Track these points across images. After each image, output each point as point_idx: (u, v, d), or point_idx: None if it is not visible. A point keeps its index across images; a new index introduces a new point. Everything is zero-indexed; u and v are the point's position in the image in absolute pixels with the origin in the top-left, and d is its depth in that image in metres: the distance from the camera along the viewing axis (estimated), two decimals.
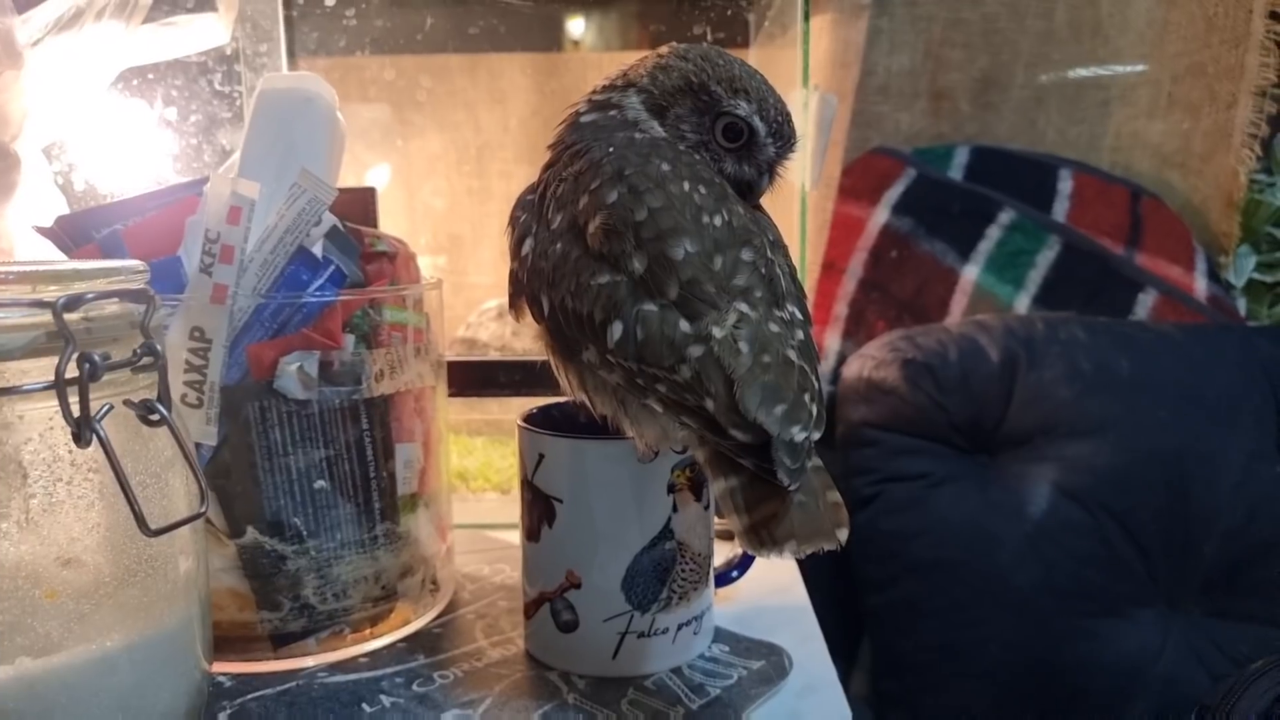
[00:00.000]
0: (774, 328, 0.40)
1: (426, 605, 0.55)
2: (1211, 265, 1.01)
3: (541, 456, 0.48)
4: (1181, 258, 1.02)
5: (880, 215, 0.98)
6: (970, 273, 0.97)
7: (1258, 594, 0.78)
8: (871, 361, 0.86)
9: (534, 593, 0.50)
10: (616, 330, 0.39)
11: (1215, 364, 0.85)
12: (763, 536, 0.37)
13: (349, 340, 0.50)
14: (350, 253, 0.53)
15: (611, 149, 0.42)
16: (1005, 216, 0.99)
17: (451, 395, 0.64)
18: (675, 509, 0.48)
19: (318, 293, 0.49)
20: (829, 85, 1.05)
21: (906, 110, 1.07)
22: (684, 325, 0.39)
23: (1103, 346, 0.85)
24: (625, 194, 0.40)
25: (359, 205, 0.60)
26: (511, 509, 0.55)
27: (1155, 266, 1.00)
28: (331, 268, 0.49)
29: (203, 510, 0.37)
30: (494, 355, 0.75)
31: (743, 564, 0.57)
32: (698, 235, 0.40)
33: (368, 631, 0.52)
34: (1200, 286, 1.00)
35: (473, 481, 0.74)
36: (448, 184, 1.03)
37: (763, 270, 0.41)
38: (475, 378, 0.65)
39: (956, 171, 1.03)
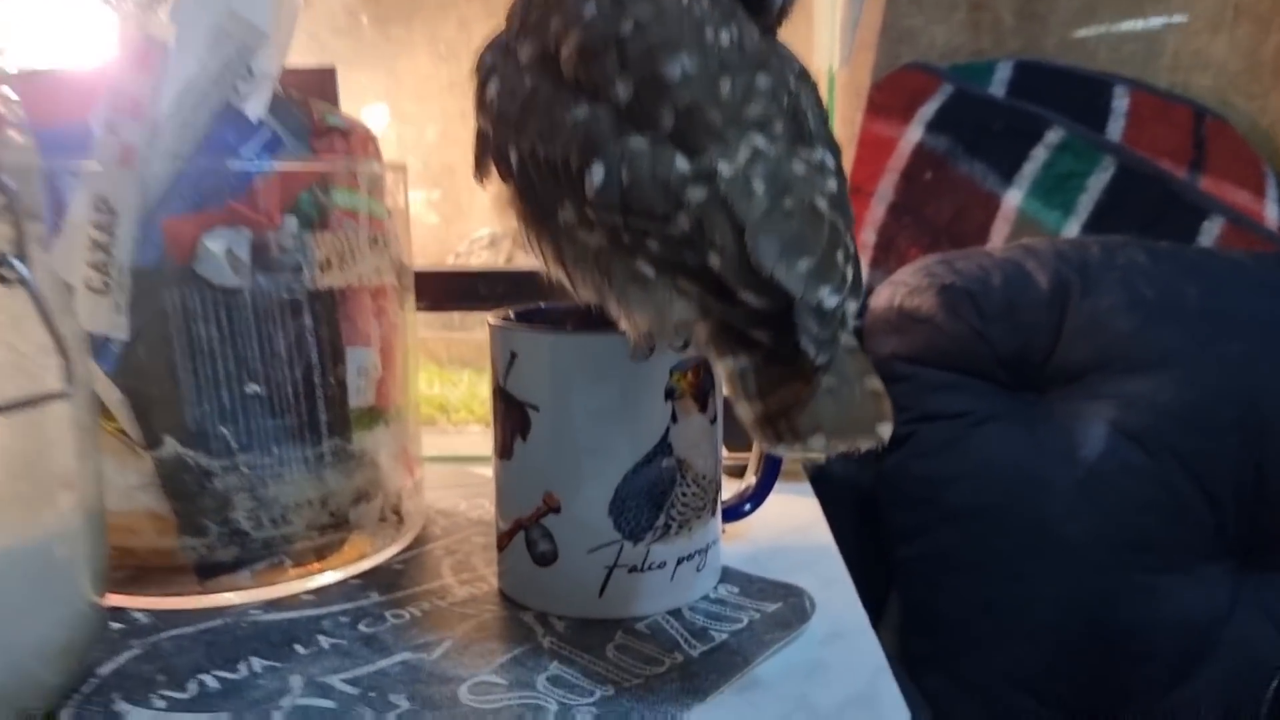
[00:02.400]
0: (798, 168, 0.31)
1: (388, 539, 0.48)
2: None
3: (514, 356, 0.40)
4: (1250, 183, 0.92)
5: (913, 133, 0.89)
6: (1013, 197, 0.88)
7: None
8: (904, 288, 0.77)
9: (507, 521, 0.42)
10: (597, 174, 0.31)
11: None
12: (781, 428, 0.29)
13: (290, 222, 0.42)
14: (295, 126, 0.44)
15: None
16: (1053, 135, 0.89)
17: (425, 309, 0.56)
18: (674, 419, 0.40)
19: (250, 160, 0.41)
20: None
21: (943, 23, 0.97)
22: (681, 163, 0.30)
23: (1167, 273, 0.75)
24: (605, 4, 0.32)
25: (316, 87, 0.52)
26: None
27: (1221, 192, 0.90)
28: (267, 133, 0.41)
29: (66, 390, 0.29)
30: (474, 265, 0.67)
31: (756, 495, 0.48)
32: (699, 52, 0.31)
33: (314, 565, 0.44)
34: (1271, 214, 0.90)
35: (455, 413, 0.66)
36: (440, 108, 0.95)
37: (784, 102, 0.32)
38: (452, 289, 0.57)
39: (998, 88, 0.93)
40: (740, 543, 0.50)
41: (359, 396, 0.45)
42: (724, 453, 0.44)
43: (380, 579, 0.45)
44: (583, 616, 0.41)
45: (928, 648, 0.72)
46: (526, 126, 0.33)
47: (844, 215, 0.32)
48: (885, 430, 0.30)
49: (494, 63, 0.36)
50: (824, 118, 0.35)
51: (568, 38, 0.32)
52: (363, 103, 0.92)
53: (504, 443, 0.42)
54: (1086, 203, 0.87)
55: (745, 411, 0.30)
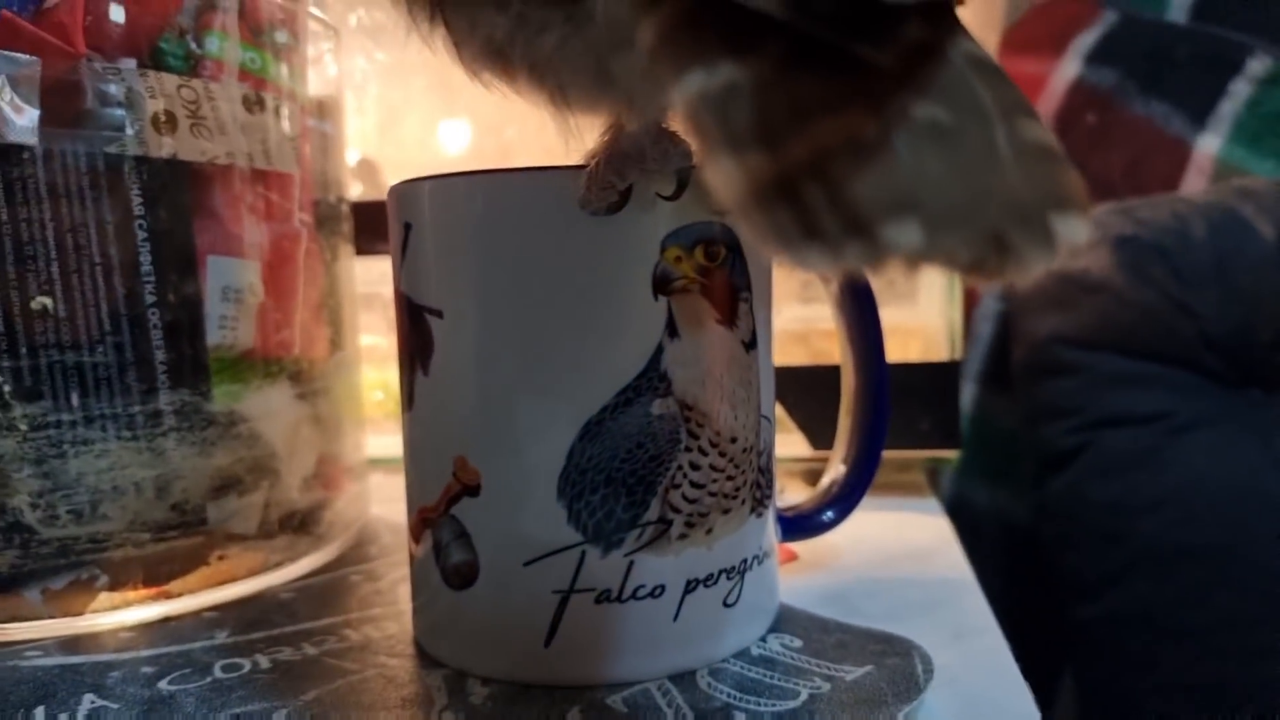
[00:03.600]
0: None
1: (285, 555, 0.32)
2: None
3: (408, 231, 0.24)
4: None
5: (1069, 68, 0.69)
6: (1209, 144, 0.67)
7: None
8: None
9: (413, 516, 0.26)
10: None
11: None
12: (812, 200, 0.12)
13: (128, 66, 0.28)
14: None
15: None
16: (1258, 66, 0.68)
17: (368, 252, 0.41)
18: (673, 332, 0.23)
19: None
20: None
21: None
22: None
23: None
24: None
25: None
26: None
27: None
28: None
29: None
30: None
31: (847, 497, 0.30)
32: None
33: (146, 588, 0.29)
34: None
35: None
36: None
37: None
38: None
39: (1178, 14, 0.73)
40: (819, 573, 0.32)
41: (226, 331, 0.30)
42: (793, 447, 0.27)
43: (247, 612, 0.29)
44: (520, 679, 0.24)
45: None
46: None
47: None
48: (1073, 228, 0.13)
49: None
50: None
51: None
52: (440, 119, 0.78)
53: (408, 382, 0.26)
54: None
55: (729, 171, 0.12)
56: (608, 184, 0.21)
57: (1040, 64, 0.70)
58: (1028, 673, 0.24)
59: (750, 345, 0.24)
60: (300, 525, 0.33)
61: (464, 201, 0.23)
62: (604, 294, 0.22)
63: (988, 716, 0.22)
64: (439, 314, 0.24)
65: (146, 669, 0.25)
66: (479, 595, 0.24)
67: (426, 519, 0.25)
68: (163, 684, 0.24)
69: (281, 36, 0.33)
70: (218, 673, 0.25)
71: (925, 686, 0.22)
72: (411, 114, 0.52)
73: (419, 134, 0.52)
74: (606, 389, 0.22)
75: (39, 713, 0.23)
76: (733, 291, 0.24)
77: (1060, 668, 0.55)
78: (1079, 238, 0.13)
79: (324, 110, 0.36)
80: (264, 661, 0.25)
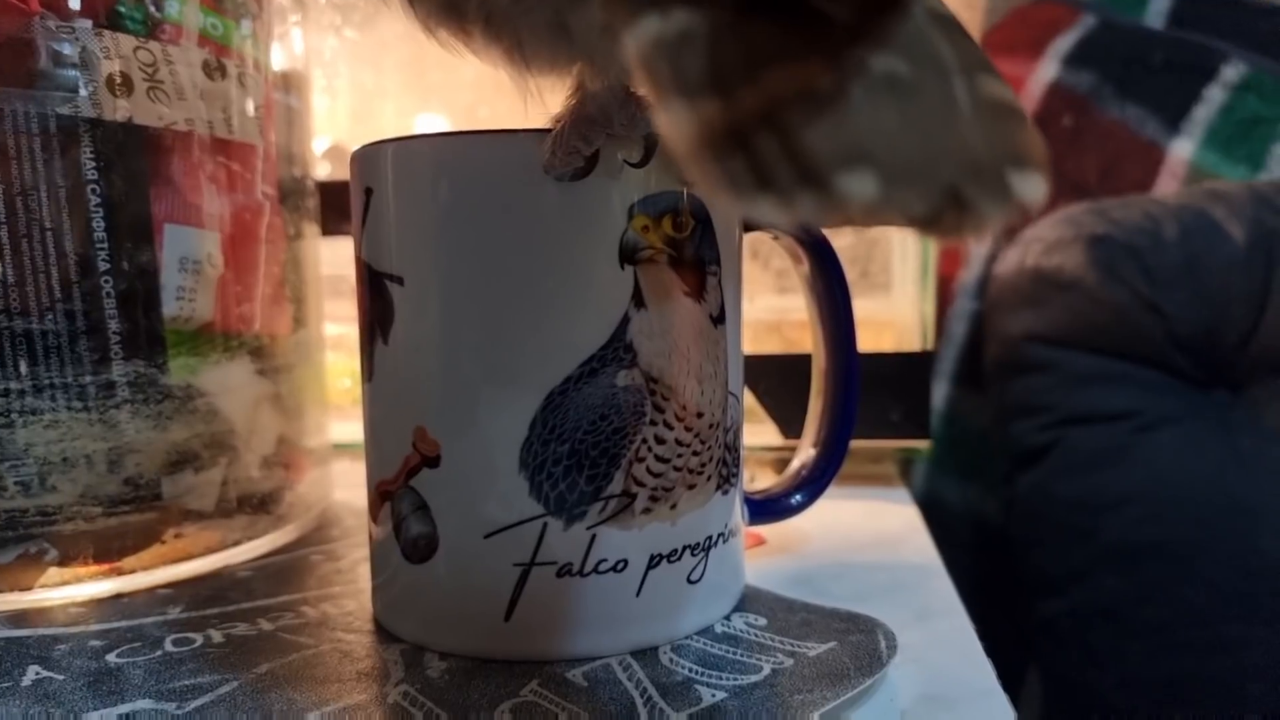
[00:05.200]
0: None
1: (243, 534, 0.32)
2: None
3: (370, 195, 0.24)
4: None
5: (1046, 70, 0.70)
6: (1182, 148, 0.67)
7: None
8: (1040, 245, 0.57)
9: (372, 489, 0.25)
10: None
11: None
12: (763, 150, 0.12)
13: (83, 25, 0.27)
14: None
15: None
16: (1232, 72, 0.69)
17: (335, 232, 0.41)
18: (639, 302, 0.22)
19: None
20: None
21: None
22: None
23: None
24: None
25: None
26: None
27: None
28: None
29: None
30: None
31: (816, 481, 0.30)
32: None
33: (96, 564, 0.28)
34: None
35: None
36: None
37: None
38: None
39: (1155, 20, 0.74)
40: (786, 557, 0.32)
41: (184, 303, 0.29)
42: (764, 436, 0.26)
43: (202, 589, 0.29)
44: (479, 653, 0.23)
45: None
46: None
47: None
48: (1029, 185, 0.12)
49: None
50: None
51: None
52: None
53: (366, 352, 0.25)
54: None
55: (679, 118, 0.12)
56: (573, 149, 0.21)
57: (1019, 66, 0.71)
58: (995, 666, 0.24)
59: (719, 320, 0.24)
60: (260, 505, 0.32)
61: (427, 165, 0.23)
62: (569, 262, 0.22)
63: (951, 692, 0.21)
64: (399, 281, 0.23)
65: (95, 642, 0.24)
66: (438, 569, 0.23)
67: (385, 492, 0.24)
68: (110, 657, 0.24)
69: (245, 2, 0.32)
70: (168, 646, 0.24)
71: (888, 661, 0.22)
72: (386, 103, 0.52)
73: (394, 124, 0.51)
74: (570, 359, 0.22)
75: None
76: (701, 264, 0.23)
77: (1027, 662, 0.55)
78: (1036, 195, 0.12)
79: (289, 83, 0.36)
80: (216, 636, 0.25)
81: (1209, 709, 0.48)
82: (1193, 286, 0.54)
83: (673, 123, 0.12)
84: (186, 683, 0.22)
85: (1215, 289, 0.54)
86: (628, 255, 0.22)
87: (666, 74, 0.12)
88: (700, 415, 0.24)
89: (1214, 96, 0.69)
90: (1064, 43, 0.71)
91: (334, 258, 0.40)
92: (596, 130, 0.21)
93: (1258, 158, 0.67)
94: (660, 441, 0.23)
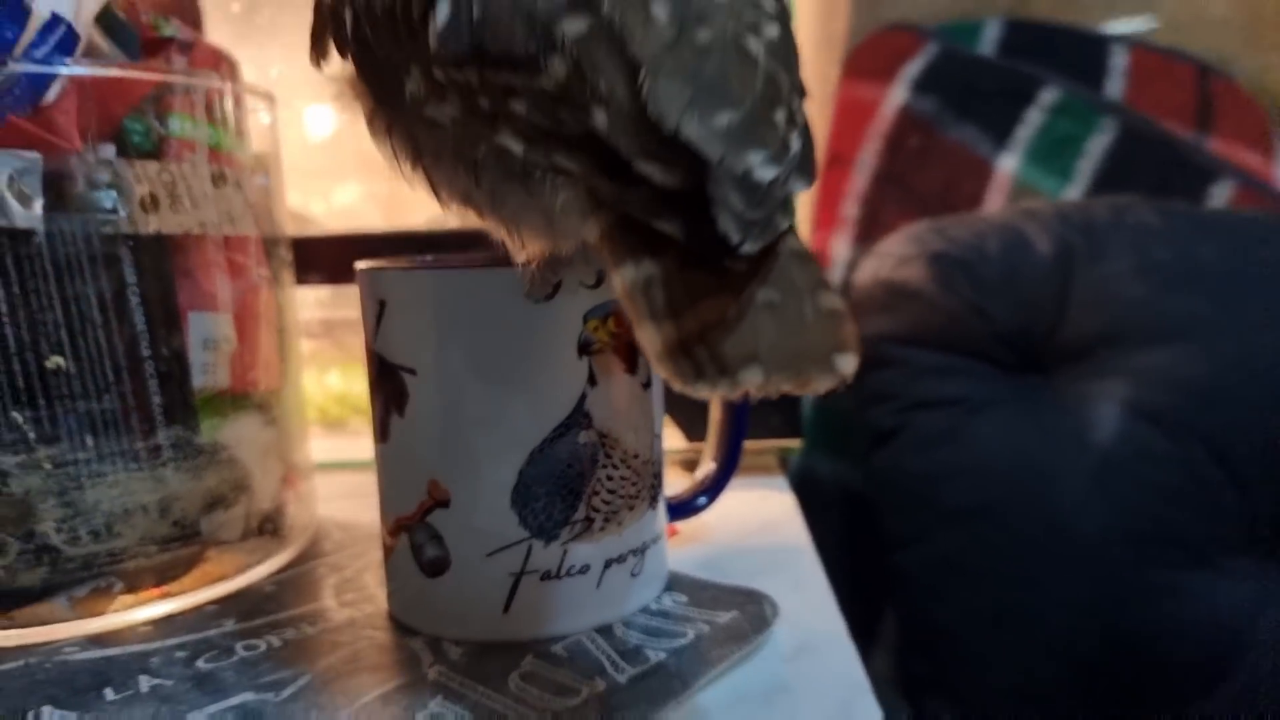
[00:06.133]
0: None
1: (259, 555, 0.39)
2: None
3: (383, 306, 0.32)
4: (1259, 144, 0.84)
5: (897, 95, 0.81)
6: (1008, 163, 0.80)
7: None
8: (891, 260, 0.69)
9: (390, 523, 0.33)
10: (442, 11, 0.22)
11: None
12: (699, 357, 0.20)
13: (105, 150, 0.33)
14: (122, 35, 0.36)
15: None
16: (1048, 96, 0.81)
17: (321, 282, 0.47)
18: (593, 381, 0.31)
19: (38, 60, 0.32)
20: None
21: None
22: None
23: (1182, 234, 0.67)
24: None
25: (175, 6, 0.43)
26: None
27: (1230, 153, 0.82)
28: (61, 29, 0.33)
29: None
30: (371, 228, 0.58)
31: (714, 486, 0.39)
32: None
33: (153, 589, 0.35)
34: None
35: (367, 412, 0.57)
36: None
37: None
38: (345, 257, 0.48)
39: (987, 48, 0.86)
40: (695, 545, 0.41)
41: (207, 375, 0.36)
42: (674, 442, 0.36)
43: (242, 604, 0.36)
44: (485, 639, 0.32)
45: (927, 667, 0.63)
46: None
47: (789, 69, 0.23)
48: (846, 363, 0.21)
49: None
50: None
51: None
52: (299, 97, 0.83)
53: (381, 421, 0.33)
54: (1087, 168, 0.80)
55: (651, 337, 0.21)
56: (545, 280, 0.29)
57: (874, 90, 0.81)
58: (859, 608, 0.34)
59: (647, 385, 0.33)
60: (271, 529, 0.39)
61: (430, 289, 0.30)
62: (542, 356, 0.30)
63: (816, 642, 0.32)
64: (412, 371, 0.31)
65: (180, 653, 0.32)
66: (450, 580, 0.32)
67: (403, 525, 0.32)
68: (199, 663, 0.31)
69: (228, 108, 0.38)
70: (241, 652, 0.32)
71: (773, 623, 0.32)
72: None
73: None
74: (546, 425, 0.31)
75: (108, 692, 0.29)
76: (633, 349, 0.32)
77: (884, 604, 0.68)
78: (850, 369, 0.21)
79: (264, 164, 0.42)
80: (275, 641, 0.32)
81: (1022, 632, 0.61)
82: (1011, 293, 0.66)
83: (646, 338, 0.21)
84: (270, 678, 0.30)
85: (1028, 295, 0.66)
86: (583, 349, 0.31)
87: (643, 306, 0.21)
88: (636, 456, 0.33)
89: (1033, 118, 0.81)
90: (912, 69, 0.82)
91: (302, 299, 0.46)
92: (563, 268, 0.29)
93: (1068, 171, 0.81)
94: (609, 479, 0.32)
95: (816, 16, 0.85)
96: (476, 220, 0.27)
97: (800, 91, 0.24)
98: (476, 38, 0.22)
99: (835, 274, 0.77)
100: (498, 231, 0.27)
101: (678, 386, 0.21)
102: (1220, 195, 0.79)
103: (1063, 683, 0.61)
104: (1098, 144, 0.80)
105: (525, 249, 0.27)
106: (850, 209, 0.79)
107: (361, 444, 0.55)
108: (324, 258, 0.48)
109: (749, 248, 0.21)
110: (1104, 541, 0.61)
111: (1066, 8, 0.89)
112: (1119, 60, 0.84)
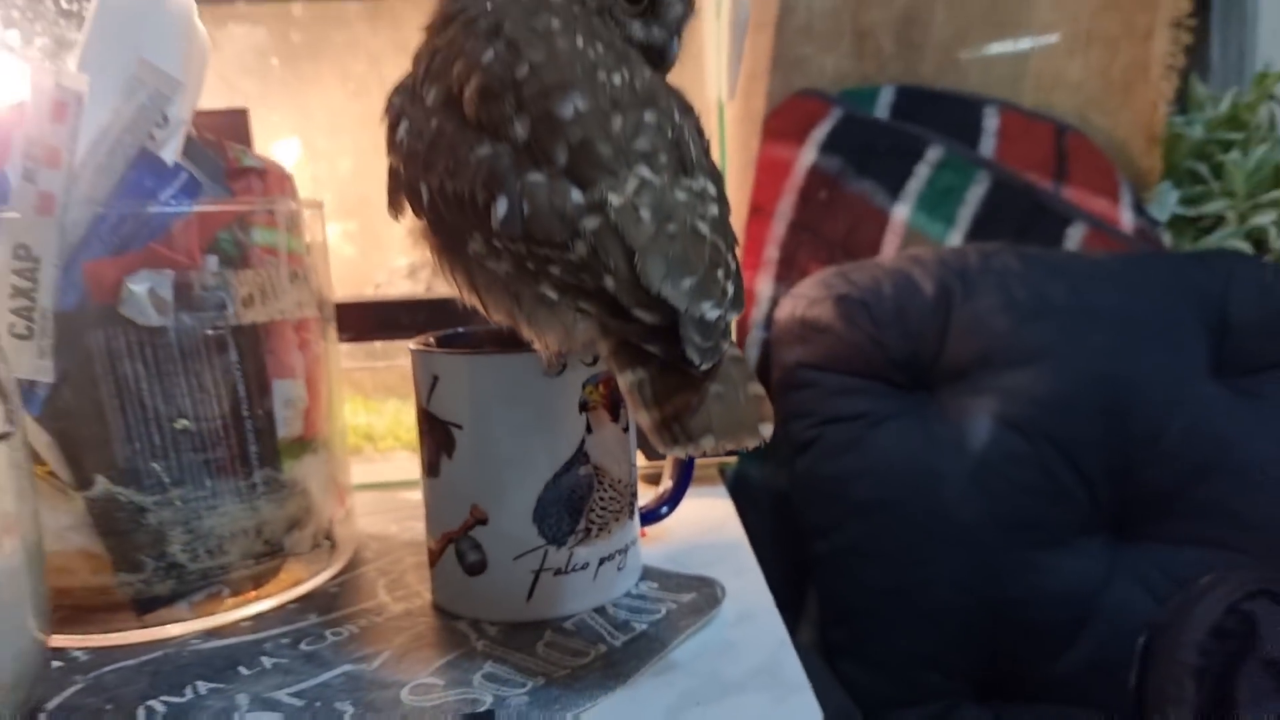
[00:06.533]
0: (681, 196, 0.35)
1: (322, 563, 0.50)
2: (1137, 199, 1.00)
3: (436, 379, 0.43)
4: (1107, 191, 1.01)
5: (808, 155, 0.95)
6: (901, 212, 0.94)
7: (1199, 516, 0.76)
8: (804, 300, 0.82)
9: (438, 536, 0.45)
10: (501, 207, 0.34)
11: (1148, 289, 0.83)
12: (675, 431, 0.33)
13: (210, 261, 0.44)
14: (210, 167, 0.46)
15: (490, 4, 0.37)
16: (933, 154, 0.96)
17: (348, 340, 0.58)
18: (589, 429, 0.43)
19: (168, 203, 0.43)
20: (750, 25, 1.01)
21: (830, 52, 1.04)
22: (576, 195, 0.34)
23: (1037, 275, 0.83)
24: (503, 50, 0.35)
25: (230, 128, 0.54)
26: None
27: (1082, 200, 0.98)
28: (184, 176, 0.43)
29: (7, 430, 0.31)
30: (394, 295, 0.69)
31: (672, 499, 0.52)
32: (590, 92, 0.35)
33: (251, 593, 0.46)
34: (1126, 219, 0.99)
35: (381, 440, 0.68)
36: (353, 141, 0.97)
37: (669, 134, 0.36)
38: (373, 320, 0.59)
39: (882, 111, 1.00)
40: (660, 543, 0.54)
41: (287, 427, 0.47)
42: (640, 460, 0.48)
43: (317, 602, 0.47)
44: (513, 620, 0.43)
45: (842, 635, 0.77)
46: (435, 164, 0.36)
47: (725, 236, 0.36)
48: (766, 430, 0.34)
49: (402, 105, 0.39)
50: (705, 148, 0.39)
51: (469, 81, 0.36)
52: (275, 139, 0.93)
53: (431, 461, 0.44)
54: (966, 214, 0.95)
55: (644, 418, 0.33)
56: (560, 361, 0.41)
57: (789, 151, 0.95)
58: (787, 588, 0.46)
59: (625, 430, 0.45)
60: (329, 542, 0.50)
61: (469, 370, 0.42)
62: (554, 414, 0.42)
63: (752, 615, 0.44)
64: (459, 426, 0.43)
65: (283, 640, 0.43)
66: (487, 577, 0.43)
67: (449, 537, 0.44)
68: (302, 646, 0.42)
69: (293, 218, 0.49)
70: (329, 637, 0.43)
71: (721, 601, 0.44)
72: None
73: None
74: (555, 463, 0.43)
75: (242, 669, 0.40)
76: (616, 405, 0.44)
77: (807, 584, 0.81)
78: (769, 434, 0.34)
79: (314, 251, 0.52)
80: (353, 628, 0.44)
81: (917, 604, 0.75)
82: (902, 326, 0.80)
83: (642, 418, 0.33)
84: (360, 654, 0.41)
85: (915, 327, 0.81)
86: (583, 406, 0.43)
87: (639, 398, 0.33)
88: (620, 481, 0.45)
89: (921, 172, 0.96)
90: (819, 133, 0.95)
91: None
92: (571, 355, 0.41)
93: (951, 217, 0.95)
94: (602, 500, 0.44)
95: (741, 96, 0.98)
96: (507, 322, 0.39)
97: (732, 246, 0.36)
98: (526, 226, 0.34)
99: (760, 310, 0.90)
100: (527, 332, 0.39)
101: (661, 449, 0.33)
102: (1075, 236, 0.95)
103: (950, 645, 0.76)
104: (975, 193, 0.95)
105: (547, 346, 0.39)
106: (771, 252, 0.93)
107: (376, 467, 0.67)
108: (347, 320, 0.58)
109: (704, 367, 0.33)
110: (980, 527, 0.76)
111: (947, 73, 1.05)
112: (991, 121, 1.00)
